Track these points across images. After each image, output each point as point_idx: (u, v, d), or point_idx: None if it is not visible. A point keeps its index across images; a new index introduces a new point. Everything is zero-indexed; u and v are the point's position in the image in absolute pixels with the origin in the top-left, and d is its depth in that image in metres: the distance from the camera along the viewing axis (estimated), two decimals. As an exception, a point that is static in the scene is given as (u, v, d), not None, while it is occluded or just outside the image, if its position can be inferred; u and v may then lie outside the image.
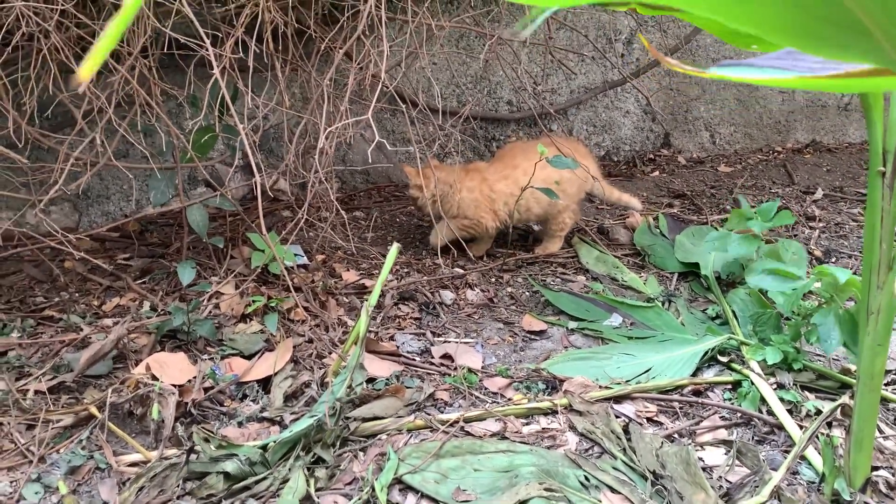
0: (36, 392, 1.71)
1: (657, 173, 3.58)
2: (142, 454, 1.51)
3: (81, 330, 1.96)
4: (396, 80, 2.12)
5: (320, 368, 1.85)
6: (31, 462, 1.50)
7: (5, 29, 1.81)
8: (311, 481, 1.44)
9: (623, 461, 1.53)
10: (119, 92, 1.96)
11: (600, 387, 1.81)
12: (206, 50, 1.81)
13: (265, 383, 1.80)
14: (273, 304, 2.03)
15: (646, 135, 3.75)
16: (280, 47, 2.25)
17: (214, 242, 2.23)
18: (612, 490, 1.45)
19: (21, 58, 2.00)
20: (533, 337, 2.12)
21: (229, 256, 2.34)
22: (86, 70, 0.48)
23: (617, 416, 1.70)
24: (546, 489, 1.41)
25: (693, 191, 3.31)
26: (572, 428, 1.67)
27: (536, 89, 3.23)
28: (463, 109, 2.57)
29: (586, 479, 1.47)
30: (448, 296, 2.31)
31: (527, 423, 1.69)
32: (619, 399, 1.78)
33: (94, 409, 1.61)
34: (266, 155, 3.04)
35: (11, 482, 1.46)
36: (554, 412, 1.72)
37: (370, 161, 2.96)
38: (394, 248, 1.70)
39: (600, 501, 1.41)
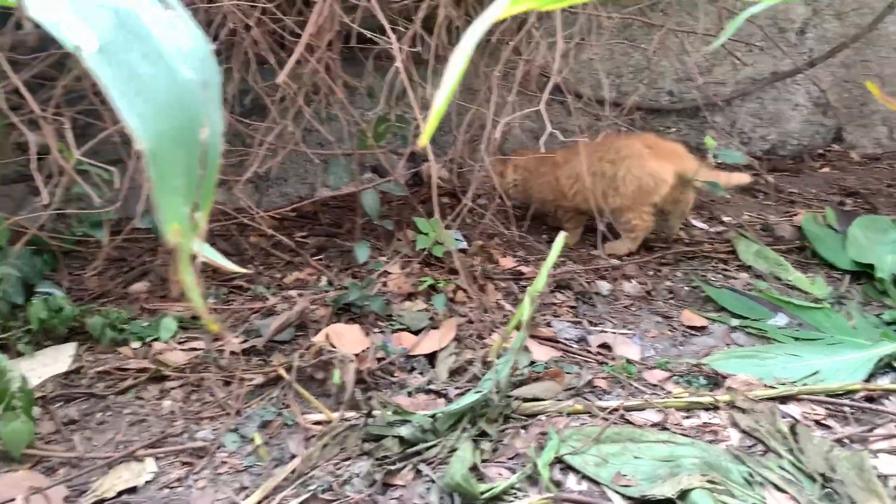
0: (231, 353, 1.91)
1: (827, 169, 3.39)
2: (325, 414, 1.65)
3: (267, 300, 2.16)
4: (563, 72, 2.16)
5: (482, 348, 1.93)
6: (228, 414, 1.69)
7: (215, 25, 2.02)
8: (477, 453, 1.53)
9: (790, 461, 1.51)
10: (308, 83, 2.13)
11: (765, 386, 1.78)
12: (390, 44, 1.93)
13: (431, 358, 1.91)
14: (441, 285, 2.14)
15: (815, 129, 3.56)
16: (452, 40, 2.35)
17: (385, 225, 2.37)
18: (778, 488, 1.43)
19: (221, 51, 2.21)
20: (693, 332, 2.10)
21: (395, 239, 2.47)
22: (424, 139, 0.58)
23: (783, 417, 1.67)
24: (709, 481, 1.41)
25: (868, 189, 3.12)
26: (735, 425, 1.65)
27: (701, 80, 3.15)
28: (627, 100, 2.57)
29: (750, 475, 1.46)
30: (604, 286, 2.33)
31: (687, 417, 1.70)
32: (784, 399, 1.74)
33: (282, 371, 1.78)
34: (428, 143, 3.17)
35: (213, 430, 1.64)
36: (715, 408, 1.71)
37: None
38: (560, 237, 1.74)
39: (765, 499, 1.40)
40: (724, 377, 1.81)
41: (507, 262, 2.46)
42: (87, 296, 2.13)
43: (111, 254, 2.22)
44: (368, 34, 1.99)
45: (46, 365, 1.82)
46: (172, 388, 1.78)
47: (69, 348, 1.90)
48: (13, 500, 1.37)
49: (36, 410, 1.63)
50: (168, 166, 0.50)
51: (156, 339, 1.94)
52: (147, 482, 1.49)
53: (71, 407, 1.71)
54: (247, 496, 1.44)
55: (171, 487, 1.48)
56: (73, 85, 1.98)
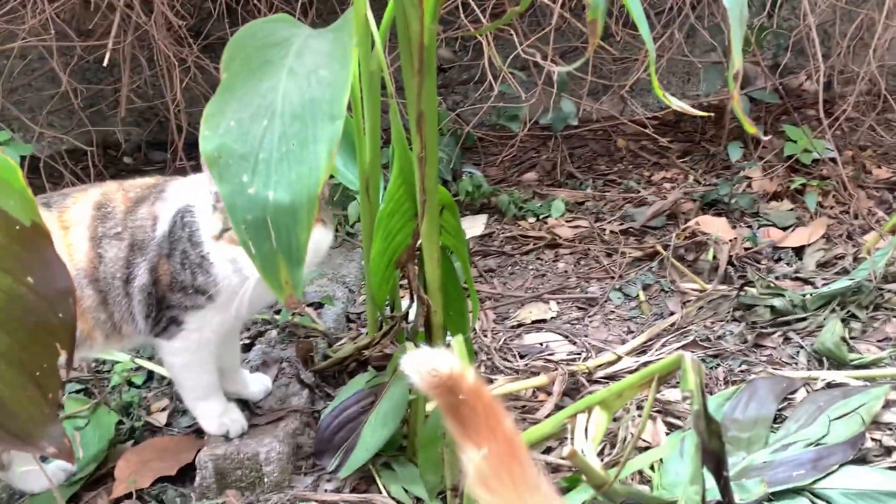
0: (610, 232, 2.24)
1: None
2: (699, 284, 1.91)
3: (638, 192, 2.44)
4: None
5: (853, 247, 2.01)
6: (612, 277, 2.02)
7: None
8: (846, 330, 1.66)
9: None
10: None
11: None
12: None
13: (798, 251, 2.04)
14: (814, 184, 2.23)
15: None
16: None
17: (754, 130, 2.48)
18: None
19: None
20: None
21: (761, 146, 2.58)
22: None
23: None
24: None
25: None
26: None
27: None
28: None
29: None
30: None
31: None
32: None
33: (659, 247, 2.06)
34: (795, 55, 3.14)
35: (600, 288, 1.99)
36: None
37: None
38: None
39: None
40: None
41: (882, 173, 2.43)
42: (489, 180, 2.61)
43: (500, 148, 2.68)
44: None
45: (468, 228, 2.31)
46: (564, 255, 2.17)
47: (482, 218, 2.38)
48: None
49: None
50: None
51: (548, 217, 2.34)
52: (552, 317, 1.89)
53: (488, 260, 2.18)
54: (633, 337, 1.76)
55: (571, 323, 1.86)
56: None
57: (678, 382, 1.56)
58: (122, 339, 1.33)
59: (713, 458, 0.83)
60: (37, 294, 0.94)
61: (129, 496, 1.35)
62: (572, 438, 0.88)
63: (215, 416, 1.36)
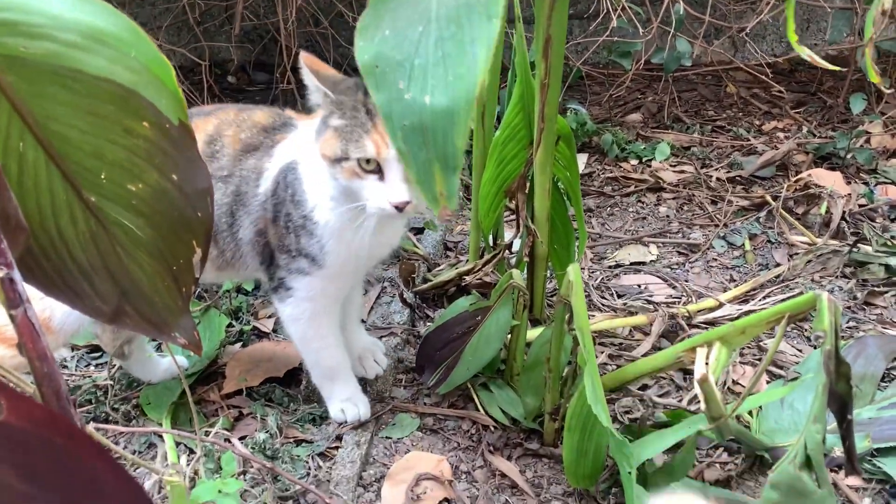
0: (716, 179, 2.17)
1: None
2: (808, 238, 1.84)
3: (748, 140, 2.35)
4: None
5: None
6: (716, 225, 1.97)
7: None
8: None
9: None
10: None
11: None
12: None
13: (917, 211, 1.94)
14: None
15: None
16: None
17: (880, 84, 2.34)
18: None
19: None
20: None
21: (884, 100, 2.44)
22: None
23: None
24: None
25: None
26: None
27: None
28: None
29: None
30: None
31: None
32: None
33: (768, 197, 1.99)
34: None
35: (704, 234, 1.95)
36: None
37: None
38: None
39: None
40: None
41: None
42: (592, 119, 2.56)
43: (607, 86, 2.61)
44: None
45: (568, 166, 2.29)
46: (667, 199, 2.13)
47: (582, 157, 2.35)
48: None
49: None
50: None
51: (651, 159, 2.29)
52: (651, 261, 1.86)
53: (588, 199, 2.16)
54: (736, 285, 1.73)
55: (672, 267, 1.83)
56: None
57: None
58: (236, 273, 1.29)
59: (839, 400, 0.82)
60: (180, 191, 0.98)
61: (238, 392, 1.43)
62: (692, 371, 0.88)
63: (338, 400, 1.31)
